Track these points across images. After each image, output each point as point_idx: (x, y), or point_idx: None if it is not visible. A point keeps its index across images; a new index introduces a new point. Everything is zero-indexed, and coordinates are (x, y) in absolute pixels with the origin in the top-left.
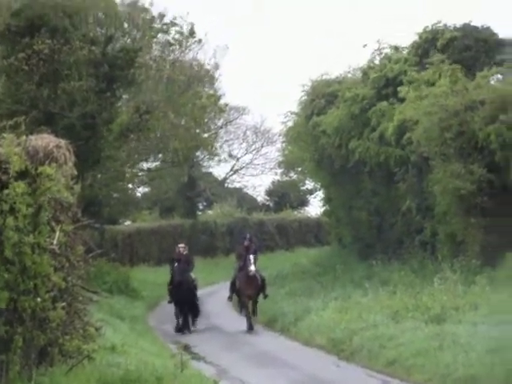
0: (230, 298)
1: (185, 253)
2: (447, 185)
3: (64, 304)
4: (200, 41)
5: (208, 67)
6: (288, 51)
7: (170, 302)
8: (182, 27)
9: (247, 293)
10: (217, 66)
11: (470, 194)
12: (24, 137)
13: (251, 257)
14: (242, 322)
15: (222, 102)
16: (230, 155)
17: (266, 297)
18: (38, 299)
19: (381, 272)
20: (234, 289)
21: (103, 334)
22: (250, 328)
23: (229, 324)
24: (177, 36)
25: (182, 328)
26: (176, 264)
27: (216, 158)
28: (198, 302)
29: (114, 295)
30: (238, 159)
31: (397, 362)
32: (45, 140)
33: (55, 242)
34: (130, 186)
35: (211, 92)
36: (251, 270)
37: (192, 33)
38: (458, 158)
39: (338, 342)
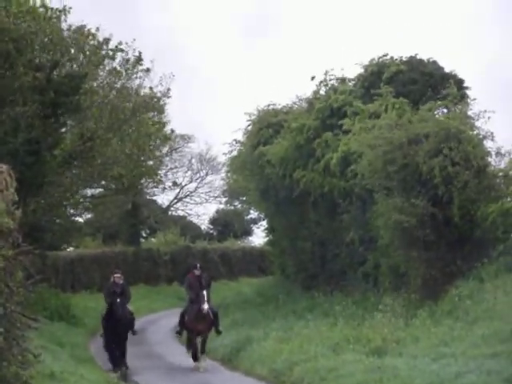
0: (178, 333)
1: (120, 282)
2: (390, 218)
3: (2, 330)
4: (148, 69)
5: (158, 95)
6: (235, 79)
7: (102, 336)
8: (127, 53)
9: (198, 328)
10: (166, 94)
11: (412, 228)
12: None
13: (204, 293)
14: (183, 351)
15: (167, 128)
16: (175, 183)
17: (219, 332)
18: None
19: (323, 303)
20: (183, 322)
21: (42, 361)
22: (198, 366)
23: (170, 353)
24: (123, 62)
25: (119, 363)
26: (118, 299)
27: (160, 186)
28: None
29: (55, 322)
30: (182, 187)
31: None
32: None
33: None
34: (73, 212)
35: (156, 119)
36: (204, 308)
37: (139, 60)
38: (401, 192)
39: (278, 372)
